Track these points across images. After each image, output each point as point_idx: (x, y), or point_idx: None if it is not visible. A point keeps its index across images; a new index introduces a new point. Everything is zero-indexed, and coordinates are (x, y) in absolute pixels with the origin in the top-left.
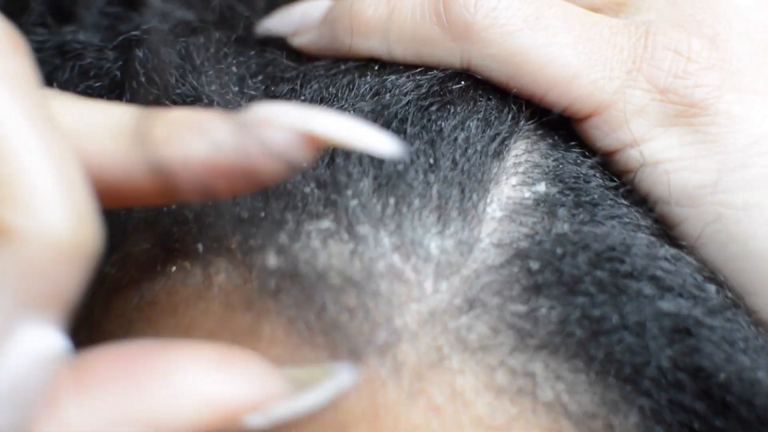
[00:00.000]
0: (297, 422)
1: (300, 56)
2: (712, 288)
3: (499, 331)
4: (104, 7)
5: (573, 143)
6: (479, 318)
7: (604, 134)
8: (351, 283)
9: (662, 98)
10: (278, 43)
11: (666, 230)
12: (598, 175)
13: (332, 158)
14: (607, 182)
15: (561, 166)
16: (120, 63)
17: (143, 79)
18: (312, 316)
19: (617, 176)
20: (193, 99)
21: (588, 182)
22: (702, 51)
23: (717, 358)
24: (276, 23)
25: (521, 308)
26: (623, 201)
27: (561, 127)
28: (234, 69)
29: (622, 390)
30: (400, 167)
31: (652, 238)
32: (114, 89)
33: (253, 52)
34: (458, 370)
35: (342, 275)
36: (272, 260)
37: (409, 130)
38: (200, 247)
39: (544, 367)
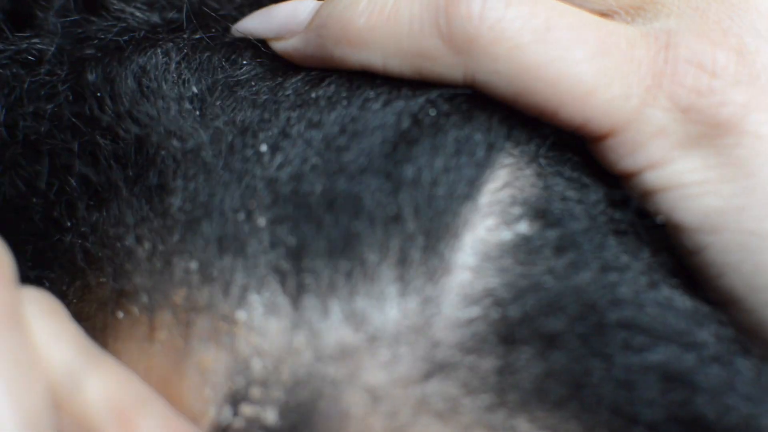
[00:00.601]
0: None
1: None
2: (706, 333)
3: (473, 391)
4: (63, 11)
5: (563, 167)
6: (447, 380)
7: (620, 156)
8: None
9: (684, 118)
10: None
11: (666, 263)
12: (587, 206)
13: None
14: (598, 214)
15: (546, 198)
16: (71, 83)
17: (95, 105)
18: None
19: (635, 200)
20: (148, 127)
21: (574, 217)
22: (728, 65)
23: (715, 407)
24: (255, 24)
25: (497, 362)
26: (612, 238)
27: (557, 146)
28: (194, 89)
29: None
30: (357, 226)
31: (642, 281)
32: (64, 115)
33: (223, 64)
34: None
35: (280, 353)
36: (211, 329)
37: (371, 183)
38: (147, 295)
39: (529, 420)
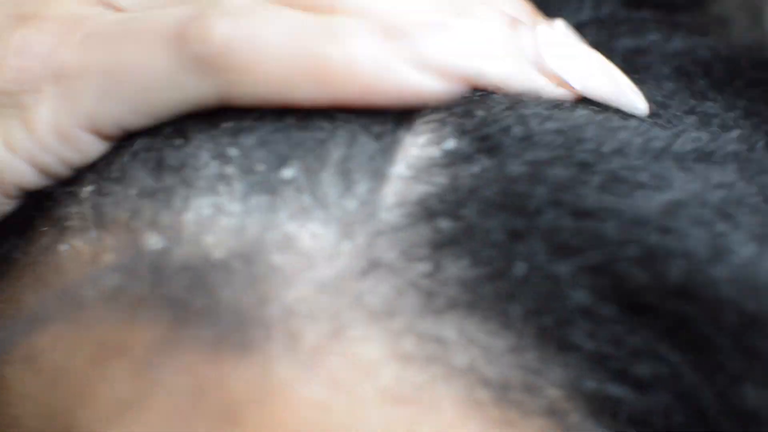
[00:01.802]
0: (179, 408)
1: None
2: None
3: (404, 293)
4: None
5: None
6: (382, 280)
7: None
8: (238, 258)
9: None
10: None
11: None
12: (508, 114)
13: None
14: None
15: (468, 116)
16: None
17: None
18: (195, 296)
19: None
20: None
21: (497, 124)
22: None
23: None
24: None
25: (427, 267)
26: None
27: None
28: None
29: (542, 350)
30: (303, 133)
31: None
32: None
33: None
34: (360, 338)
35: (228, 250)
36: (154, 239)
37: None
38: (90, 225)
39: (457, 331)
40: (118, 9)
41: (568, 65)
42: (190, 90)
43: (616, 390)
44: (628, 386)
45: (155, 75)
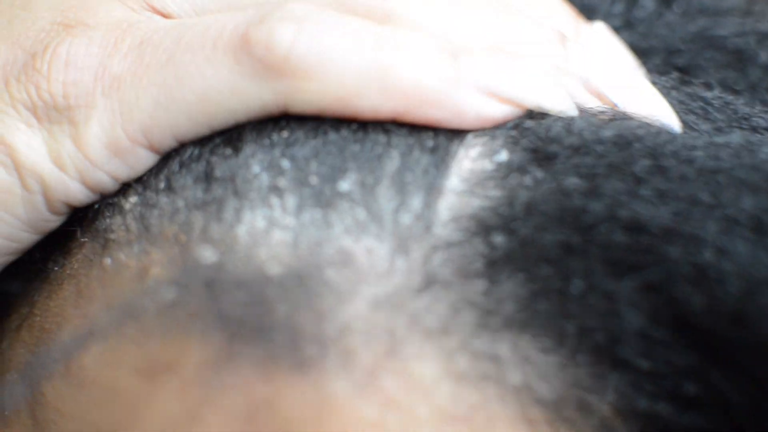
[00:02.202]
0: (232, 428)
1: None
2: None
3: (459, 311)
4: None
5: None
6: (438, 297)
7: None
8: (293, 273)
9: None
10: None
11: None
12: (560, 125)
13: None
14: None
15: (519, 128)
16: None
17: None
18: (249, 312)
19: None
20: None
21: (551, 137)
22: None
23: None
24: None
25: (482, 283)
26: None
27: None
28: None
29: (596, 367)
30: (357, 146)
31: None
32: None
33: None
34: (415, 356)
35: (283, 266)
36: (207, 253)
37: None
38: (135, 238)
39: (511, 348)
40: (166, 15)
41: (612, 84)
42: (251, 97)
43: (666, 409)
44: (679, 406)
45: (215, 83)
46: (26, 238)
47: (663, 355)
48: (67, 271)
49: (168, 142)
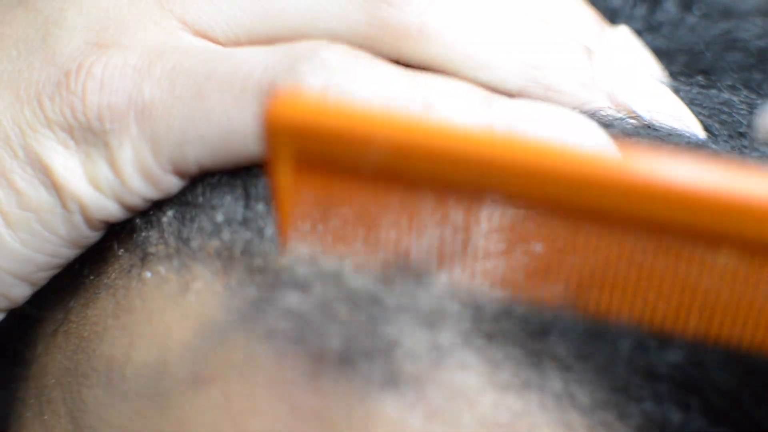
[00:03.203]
0: None
1: None
2: None
3: (502, 320)
4: None
5: None
6: (482, 308)
7: None
8: (338, 287)
9: None
10: None
11: None
12: None
13: None
14: None
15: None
16: None
17: None
18: (295, 324)
19: None
20: None
21: None
22: None
23: None
24: None
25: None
26: None
27: None
28: None
29: (633, 375)
30: None
31: None
32: None
33: None
34: (459, 366)
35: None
36: (251, 267)
37: None
38: (175, 252)
39: (552, 354)
40: (199, 30)
41: (637, 97)
42: None
43: (698, 422)
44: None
45: (240, 126)
46: (67, 253)
47: (694, 359)
48: (105, 281)
49: (195, 170)
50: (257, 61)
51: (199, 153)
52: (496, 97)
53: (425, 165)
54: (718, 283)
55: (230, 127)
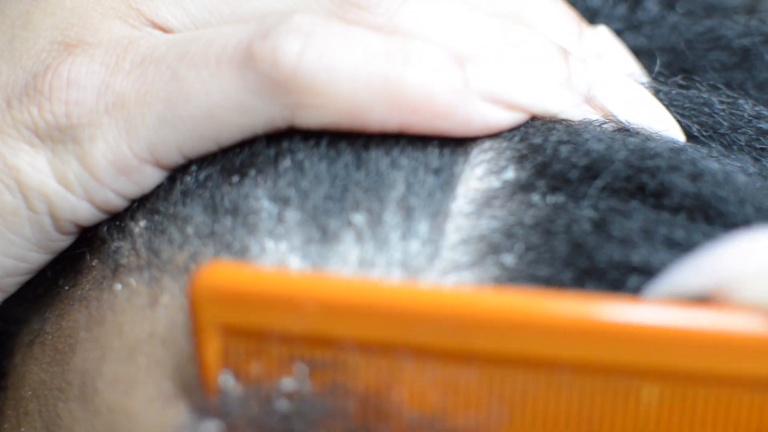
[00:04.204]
0: None
1: None
2: None
3: None
4: None
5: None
6: None
7: None
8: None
9: None
10: None
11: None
12: (566, 137)
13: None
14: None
15: (525, 142)
16: None
17: None
18: None
19: None
20: None
21: (558, 154)
22: None
23: None
24: None
25: None
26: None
27: None
28: None
29: None
30: (361, 173)
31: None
32: None
33: None
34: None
35: None
36: None
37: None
38: (146, 264)
39: None
40: (166, 30)
41: (614, 98)
42: (258, 113)
43: None
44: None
45: (220, 99)
46: (36, 258)
47: None
48: (78, 292)
49: (175, 159)
50: (230, 33)
51: (179, 136)
52: (472, 60)
53: (352, 324)
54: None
55: (210, 103)
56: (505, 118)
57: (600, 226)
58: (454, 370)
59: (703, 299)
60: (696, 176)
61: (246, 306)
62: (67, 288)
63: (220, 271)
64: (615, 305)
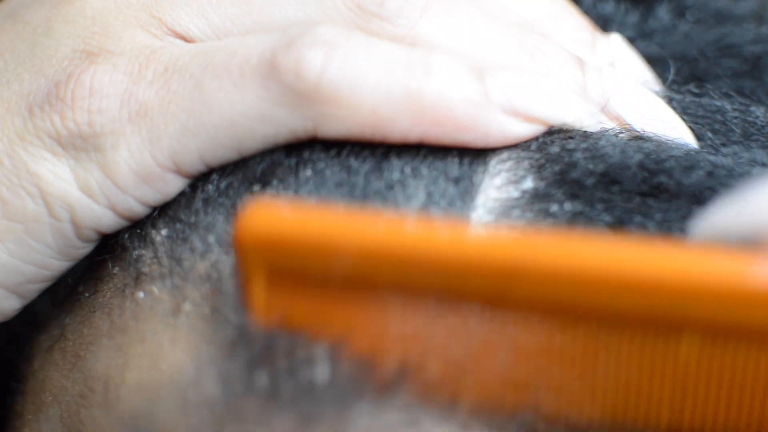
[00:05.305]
0: None
1: None
2: None
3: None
4: None
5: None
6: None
7: None
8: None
9: None
10: None
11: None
12: (584, 146)
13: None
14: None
15: (543, 152)
16: None
17: None
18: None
19: None
20: None
21: (576, 162)
22: None
23: None
24: None
25: None
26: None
27: None
28: None
29: None
30: (380, 182)
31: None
32: None
33: None
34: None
35: None
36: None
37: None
38: (168, 272)
39: None
40: (188, 39)
41: (629, 107)
42: (280, 124)
43: None
44: None
45: (243, 109)
46: (57, 265)
47: None
48: (99, 299)
49: (197, 167)
50: (253, 44)
51: (201, 144)
52: (491, 72)
53: (394, 270)
54: (683, 371)
55: (233, 113)
56: (524, 130)
57: (617, 227)
58: (495, 321)
59: (748, 241)
60: (712, 172)
61: (291, 250)
62: (87, 295)
63: (264, 213)
64: (655, 254)
